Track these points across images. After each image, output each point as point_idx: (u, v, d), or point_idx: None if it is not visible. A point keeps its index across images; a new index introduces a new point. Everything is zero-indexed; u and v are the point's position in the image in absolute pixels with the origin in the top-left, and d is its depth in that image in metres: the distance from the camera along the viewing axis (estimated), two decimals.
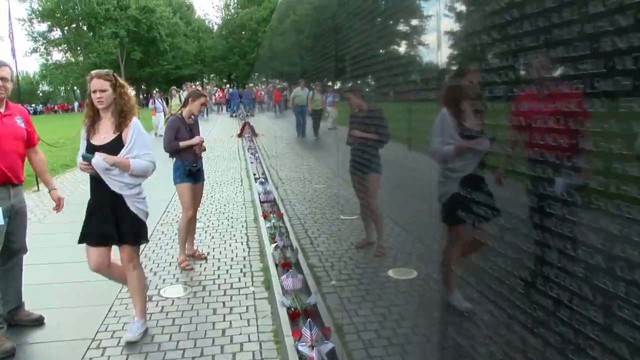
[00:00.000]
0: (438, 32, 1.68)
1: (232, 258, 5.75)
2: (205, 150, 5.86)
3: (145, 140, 3.82)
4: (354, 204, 5.43)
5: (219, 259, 5.72)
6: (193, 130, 5.69)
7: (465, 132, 1.53)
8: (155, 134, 19.82)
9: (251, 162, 12.78)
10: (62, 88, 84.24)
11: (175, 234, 6.35)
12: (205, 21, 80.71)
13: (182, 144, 5.50)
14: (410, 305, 3.36)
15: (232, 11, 72.32)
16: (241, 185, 10.02)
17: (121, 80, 3.79)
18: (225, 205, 8.33)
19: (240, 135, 19.54)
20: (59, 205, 4.32)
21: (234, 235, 6.63)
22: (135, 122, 3.77)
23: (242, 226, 7.05)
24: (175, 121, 5.59)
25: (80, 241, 3.80)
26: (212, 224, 7.21)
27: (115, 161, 3.64)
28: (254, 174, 11.07)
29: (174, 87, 18.08)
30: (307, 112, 8.92)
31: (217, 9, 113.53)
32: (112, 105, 3.71)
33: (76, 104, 68.20)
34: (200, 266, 5.52)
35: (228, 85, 53.69)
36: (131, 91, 3.88)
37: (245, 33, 65.17)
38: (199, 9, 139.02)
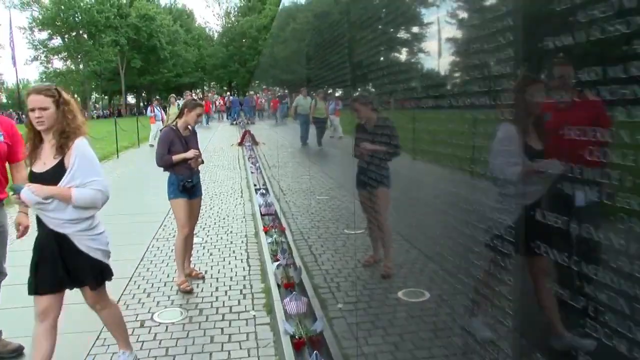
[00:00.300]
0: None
1: (231, 277, 5.39)
2: (202, 163, 5.54)
3: (91, 164, 3.15)
4: (358, 218, 5.10)
5: (217, 279, 5.37)
6: (189, 142, 5.33)
7: (534, 152, 1.20)
8: (151, 145, 19.50)
9: (251, 172, 12.44)
10: None
11: (172, 250, 6.01)
12: (206, 29, 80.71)
13: (175, 157, 5.11)
14: (424, 332, 3.03)
15: (233, 19, 72.29)
16: (241, 196, 9.67)
17: (65, 96, 3.18)
18: (224, 218, 7.97)
19: (240, 144, 19.22)
20: (19, 232, 3.74)
21: (234, 251, 6.27)
22: (78, 143, 3.11)
23: (242, 241, 6.69)
24: (168, 133, 5.22)
25: (31, 292, 3.18)
26: (211, 239, 6.86)
27: (50, 193, 3.02)
28: (255, 185, 10.72)
29: (173, 94, 17.60)
30: (308, 120, 8.59)
31: (218, 17, 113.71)
32: (55, 125, 3.11)
33: None
34: (198, 286, 5.16)
35: (228, 93, 53.46)
36: (77, 107, 3.25)
37: (246, 41, 65.06)
38: (200, 17, 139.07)
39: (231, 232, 7.17)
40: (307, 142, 8.98)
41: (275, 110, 24.58)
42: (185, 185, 5.19)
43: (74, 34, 58.08)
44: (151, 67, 63.09)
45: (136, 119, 21.06)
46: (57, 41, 60.41)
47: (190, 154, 5.20)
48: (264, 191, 9.64)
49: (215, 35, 77.85)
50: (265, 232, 6.85)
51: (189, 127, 5.35)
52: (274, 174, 12.01)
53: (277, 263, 5.36)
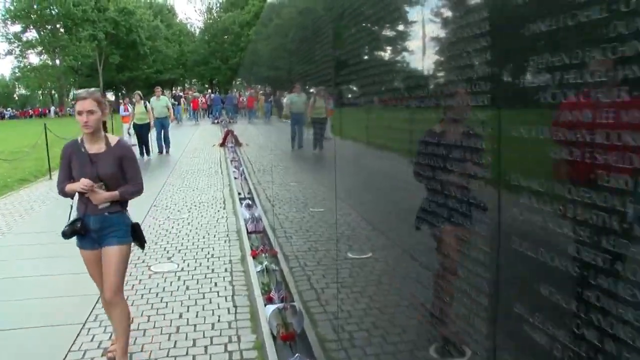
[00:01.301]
0: None
1: (212, 324, 4.24)
2: (106, 204, 3.50)
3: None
4: (361, 237, 4.01)
5: (195, 326, 4.21)
6: (98, 162, 3.48)
7: None
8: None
9: (235, 178, 11.27)
10: (40, 92, 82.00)
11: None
12: (187, 25, 79.15)
13: (68, 188, 3.46)
14: None
15: (215, 15, 70.80)
16: (224, 208, 8.50)
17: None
18: (204, 237, 6.81)
19: (222, 145, 18.01)
20: None
21: (216, 284, 5.11)
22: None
23: (226, 269, 5.54)
24: (66, 148, 3.60)
25: None
26: (188, 265, 5.69)
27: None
28: (239, 193, 9.56)
29: (138, 92, 16.57)
30: (304, 120, 7.45)
31: (200, 13, 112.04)
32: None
33: (52, 108, 65.92)
34: (169, 338, 4.00)
35: (210, 91, 52.06)
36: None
37: (228, 37, 63.63)
38: (181, 13, 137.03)
39: (212, 255, 6.01)
40: (300, 145, 7.81)
41: (250, 108, 23.54)
42: (75, 228, 3.43)
43: (49, 27, 56.05)
44: (130, 63, 61.39)
45: (111, 117, 19.70)
46: (31, 34, 58.47)
47: (81, 185, 3.34)
48: (249, 202, 8.50)
49: (197, 31, 76.33)
50: (254, 257, 5.71)
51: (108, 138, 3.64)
52: (259, 180, 10.87)
53: (271, 307, 4.22)
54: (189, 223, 7.51)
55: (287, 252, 5.91)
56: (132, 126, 15.43)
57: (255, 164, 13.41)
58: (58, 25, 56.99)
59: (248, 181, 10.69)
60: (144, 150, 15.16)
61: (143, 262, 5.81)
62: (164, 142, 16.20)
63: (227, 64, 62.30)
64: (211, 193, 9.72)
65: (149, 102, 15.69)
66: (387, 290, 3.05)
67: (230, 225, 7.36)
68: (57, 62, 58.23)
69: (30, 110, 72.17)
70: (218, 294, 4.82)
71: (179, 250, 6.20)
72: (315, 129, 6.68)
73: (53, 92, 70.69)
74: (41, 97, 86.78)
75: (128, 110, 19.69)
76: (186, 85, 75.30)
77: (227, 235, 6.83)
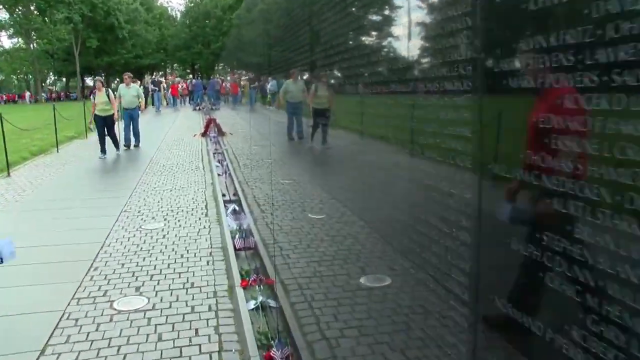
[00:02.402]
0: None
1: None
2: None
3: None
4: (375, 256, 3.37)
5: None
6: None
7: None
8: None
9: (218, 175, 10.03)
10: (15, 77, 79.43)
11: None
12: (168, 9, 77.10)
13: None
14: None
15: None
16: (206, 215, 7.26)
17: None
18: (182, 255, 5.58)
19: (204, 135, 16.70)
20: None
21: (197, 331, 3.89)
22: None
23: (210, 307, 4.32)
24: None
25: None
26: (161, 300, 4.47)
27: None
28: (223, 195, 8.33)
29: (99, 78, 14.78)
30: (302, 110, 6.26)
31: None
32: None
33: (27, 94, 63.58)
34: None
35: (191, 76, 50.34)
36: None
37: (210, 21, 61.87)
38: None
39: (192, 284, 4.79)
40: (297, 137, 6.56)
41: (235, 94, 22.48)
42: None
43: (21, 8, 53.62)
44: (109, 47, 59.42)
45: (83, 104, 18.27)
46: (1, 15, 55.94)
47: None
48: (236, 206, 7.29)
49: (178, 15, 74.36)
50: (245, 289, 4.53)
51: None
52: (247, 178, 9.65)
53: None
54: (164, 236, 6.27)
55: (286, 280, 4.74)
56: (93, 118, 13.27)
57: (241, 158, 12.15)
58: (32, 8, 54.64)
59: (233, 179, 9.46)
60: (116, 145, 13.27)
61: (104, 294, 4.59)
62: (134, 135, 14.42)
63: (209, 48, 60.68)
64: (191, 194, 8.47)
65: (113, 90, 14.08)
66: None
67: (214, 239, 6.14)
68: (34, 45, 56.00)
69: (3, 96, 69.69)
70: (200, 350, 3.61)
71: (151, 277, 4.97)
72: (316, 120, 5.47)
73: (30, 76, 68.28)
74: (16, 82, 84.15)
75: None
76: (168, 70, 73.44)
77: (211, 254, 5.61)
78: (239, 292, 4.46)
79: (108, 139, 12.78)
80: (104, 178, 10.46)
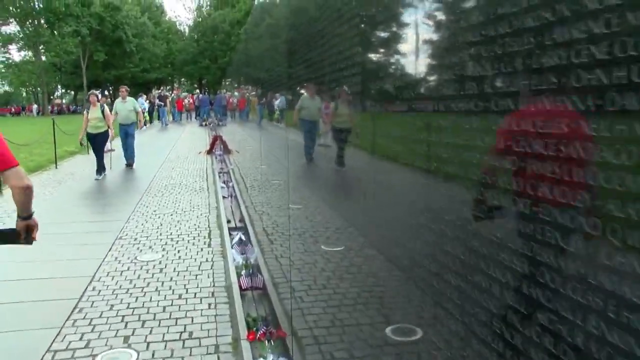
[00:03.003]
0: None
1: None
2: None
3: None
4: (411, 304, 2.56)
5: None
6: None
7: None
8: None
9: (223, 197, 9.37)
10: (24, 89, 79.54)
11: None
12: (176, 23, 77.17)
13: None
14: None
15: (205, 13, 68.82)
16: (208, 245, 6.59)
17: None
18: (180, 296, 4.90)
19: (209, 152, 16.09)
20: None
21: None
22: None
23: None
24: None
25: None
26: (153, 354, 3.78)
27: None
28: (228, 221, 7.67)
29: (94, 91, 13.33)
30: (316, 129, 5.61)
31: (189, 11, 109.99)
32: None
33: (35, 107, 63.38)
34: None
35: (198, 91, 49.99)
36: None
37: (218, 36, 61.68)
38: (170, 11, 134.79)
39: (191, 334, 4.10)
40: (310, 158, 5.91)
41: (242, 110, 21.92)
42: None
43: (30, 21, 53.53)
44: (116, 61, 59.26)
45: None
46: (10, 28, 55.84)
47: None
48: (242, 236, 6.62)
49: (186, 30, 74.39)
50: (252, 343, 3.84)
51: None
52: (254, 201, 8.96)
53: None
54: (161, 270, 5.59)
55: (300, 330, 4.06)
56: (84, 136, 12.07)
57: (248, 178, 11.49)
58: (42, 21, 54.58)
59: (240, 203, 8.79)
60: (100, 168, 11.80)
61: (86, 345, 3.91)
62: (129, 152, 13.39)
63: (217, 63, 60.44)
64: (193, 220, 7.80)
65: (107, 104, 13.08)
66: None
67: (217, 275, 5.47)
68: (43, 58, 55.89)
69: (11, 108, 69.62)
70: None
71: (143, 323, 4.28)
72: (337, 141, 4.82)
73: (38, 89, 68.26)
74: (25, 94, 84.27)
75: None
76: (175, 85, 73.31)
77: (213, 294, 4.93)
78: (245, 346, 3.78)
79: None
80: (101, 199, 9.81)
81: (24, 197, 2.70)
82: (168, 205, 8.84)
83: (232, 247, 6.19)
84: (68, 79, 62.59)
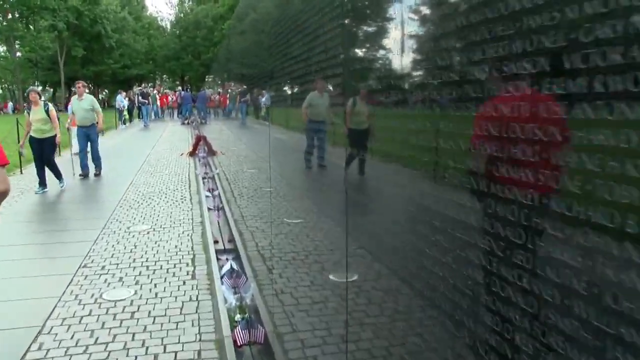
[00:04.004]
0: None
1: None
2: None
3: None
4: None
5: None
6: None
7: None
8: (75, 153, 15.17)
9: (208, 209, 8.18)
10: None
11: None
12: (158, 18, 75.41)
13: None
14: None
15: (187, 8, 67.25)
16: (192, 275, 5.40)
17: None
18: (155, 358, 3.70)
19: (192, 154, 14.84)
20: None
21: None
22: None
23: None
24: None
25: None
26: None
27: None
28: (216, 241, 6.48)
29: (34, 88, 10.83)
30: (325, 129, 4.49)
31: (171, 6, 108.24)
32: None
33: (10, 104, 61.20)
34: None
35: (180, 88, 48.50)
36: None
37: (200, 31, 60.16)
38: (151, 6, 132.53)
39: None
40: (318, 162, 4.73)
41: (225, 106, 21.05)
42: None
43: (2, 15, 51.37)
44: (95, 57, 57.37)
45: (16, 120, 16.30)
46: None
47: None
48: (233, 263, 5.45)
49: (168, 25, 72.77)
50: None
51: None
52: (243, 213, 7.76)
53: None
54: (132, 314, 4.40)
55: None
56: (26, 141, 10.08)
57: (236, 185, 10.26)
58: (17, 14, 52.51)
59: (228, 216, 7.60)
60: (57, 176, 10.02)
61: None
62: (93, 160, 11.43)
63: (200, 59, 59.01)
64: (174, 239, 6.59)
65: (48, 103, 10.34)
66: None
67: (205, 322, 4.28)
68: (19, 54, 53.87)
69: None
70: None
71: None
72: (355, 145, 3.71)
73: (13, 85, 66.10)
74: (1, 91, 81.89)
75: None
76: (157, 81, 71.62)
77: (199, 355, 3.74)
78: None
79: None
80: (67, 212, 8.53)
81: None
82: (145, 219, 7.61)
83: (221, 281, 5.00)
84: (45, 76, 60.49)
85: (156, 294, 4.83)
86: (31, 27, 52.50)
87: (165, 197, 9.11)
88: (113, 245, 6.34)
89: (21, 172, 11.98)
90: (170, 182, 10.70)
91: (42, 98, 10.07)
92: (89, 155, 11.45)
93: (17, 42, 52.89)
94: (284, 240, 5.16)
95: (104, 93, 71.76)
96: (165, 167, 12.75)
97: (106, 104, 55.95)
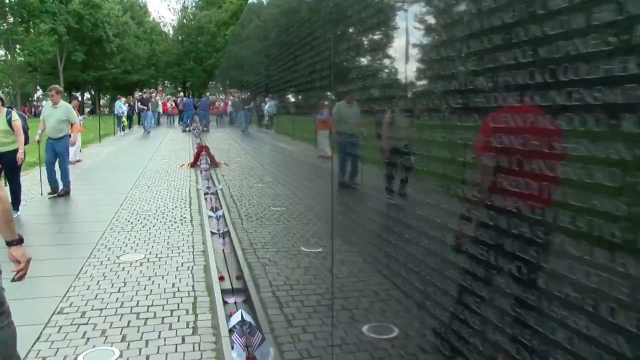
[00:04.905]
0: None
1: None
2: None
3: None
4: None
5: None
6: None
7: None
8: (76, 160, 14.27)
9: (212, 233, 7.12)
10: None
11: None
12: (160, 24, 74.67)
13: None
14: None
15: (190, 14, 66.44)
16: (193, 329, 4.32)
17: None
18: None
19: (193, 165, 13.78)
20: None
21: None
22: None
23: None
24: None
25: None
26: None
27: None
28: (221, 277, 5.40)
29: None
30: (357, 144, 3.51)
31: (174, 12, 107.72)
32: None
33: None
34: None
35: (182, 94, 47.56)
36: None
37: (203, 37, 59.31)
38: (154, 11, 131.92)
39: None
40: (352, 183, 3.65)
41: (224, 112, 20.40)
42: None
43: (10, 20, 50.48)
44: (96, 62, 56.46)
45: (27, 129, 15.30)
46: None
47: None
48: (244, 313, 4.39)
49: (171, 31, 72.01)
50: None
51: None
52: (252, 240, 6.68)
53: None
54: None
55: None
56: None
57: (243, 202, 9.17)
58: (17, 18, 51.63)
59: (234, 243, 6.52)
60: (15, 200, 8.07)
61: None
62: (61, 178, 9.76)
63: (202, 65, 58.11)
64: (171, 275, 5.52)
65: (12, 110, 8.49)
66: None
67: None
68: (22, 58, 53.05)
69: None
70: None
71: None
72: (394, 164, 2.61)
73: (11, 90, 65.24)
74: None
75: (80, 116, 15.50)
76: (159, 87, 70.74)
77: None
78: None
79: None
80: (46, 237, 7.41)
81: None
82: (138, 245, 6.55)
83: (231, 339, 3.93)
84: (45, 80, 59.47)
85: (147, 358, 3.75)
86: (31, 30, 51.55)
87: (163, 218, 8.03)
88: (98, 282, 5.27)
89: (6, 184, 10.90)
90: (168, 198, 9.62)
91: (5, 105, 8.39)
92: (58, 171, 9.80)
93: (18, 46, 52.08)
94: (304, 276, 4.16)
95: (106, 99, 70.88)
96: (164, 180, 11.68)
97: (106, 111, 55.04)
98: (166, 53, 64.24)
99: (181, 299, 4.84)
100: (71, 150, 14.88)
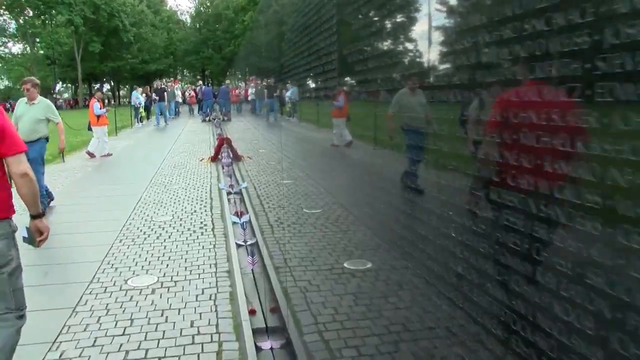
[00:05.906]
0: None
1: None
2: None
3: None
4: None
5: None
6: None
7: None
8: (90, 154, 13.40)
9: (237, 245, 6.04)
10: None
11: None
12: (177, 12, 73.82)
13: None
14: None
15: (207, 0, 65.40)
16: None
17: None
18: None
19: (214, 160, 12.73)
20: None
21: None
22: None
23: None
24: None
25: None
26: None
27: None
28: (251, 311, 4.31)
29: None
30: (422, 139, 2.39)
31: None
32: None
33: None
34: None
35: (200, 82, 46.52)
36: None
37: (221, 24, 58.26)
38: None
39: None
40: (414, 185, 2.44)
41: (235, 102, 19.55)
42: None
43: (30, 14, 50.01)
44: (113, 52, 55.86)
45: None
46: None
47: None
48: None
49: (188, 19, 71.12)
50: None
51: None
52: (286, 254, 5.59)
53: None
54: None
55: None
56: None
57: (271, 203, 8.09)
58: (33, 11, 51.06)
59: (265, 260, 5.41)
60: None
61: None
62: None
63: (220, 52, 57.15)
64: (189, 311, 4.42)
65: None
66: None
67: None
68: (41, 51, 52.64)
69: (6, 103, 66.22)
70: None
71: None
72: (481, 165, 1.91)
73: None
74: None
75: (103, 108, 14.55)
76: (178, 76, 70.01)
77: None
78: None
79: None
80: (42, 257, 6.36)
81: (26, 188, 2.85)
82: (151, 264, 5.48)
83: None
84: (63, 72, 59.13)
85: None
86: (48, 22, 50.96)
87: (181, 226, 6.95)
88: (99, 318, 4.21)
89: None
90: (187, 200, 8.54)
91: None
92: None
93: (37, 39, 51.63)
94: (354, 306, 3.18)
95: (126, 89, 70.28)
96: (182, 178, 10.61)
97: (126, 101, 54.41)
98: (184, 41, 63.48)
99: (202, 347, 3.74)
100: (95, 144, 13.90)
